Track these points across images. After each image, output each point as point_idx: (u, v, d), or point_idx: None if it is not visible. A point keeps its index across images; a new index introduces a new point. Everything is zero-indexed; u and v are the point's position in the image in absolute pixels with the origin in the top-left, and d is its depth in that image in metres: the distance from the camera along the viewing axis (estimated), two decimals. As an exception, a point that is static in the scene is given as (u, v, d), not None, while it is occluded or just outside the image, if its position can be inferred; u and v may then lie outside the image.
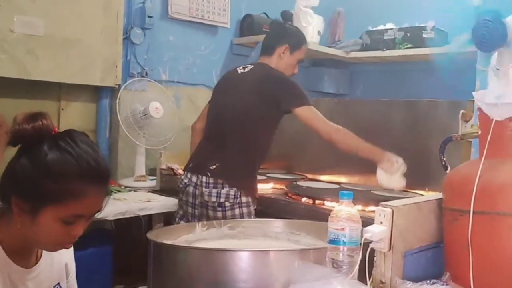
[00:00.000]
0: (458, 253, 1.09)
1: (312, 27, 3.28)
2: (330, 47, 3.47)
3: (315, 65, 3.74)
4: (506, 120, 1.06)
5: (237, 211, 2.05)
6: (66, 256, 1.24)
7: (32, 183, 1.00)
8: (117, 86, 2.61)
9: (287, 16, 3.20)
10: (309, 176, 2.84)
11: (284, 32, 2.31)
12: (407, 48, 3.14)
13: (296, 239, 1.51)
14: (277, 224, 1.60)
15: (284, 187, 2.46)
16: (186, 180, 2.14)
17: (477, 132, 1.14)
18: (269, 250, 1.20)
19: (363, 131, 2.71)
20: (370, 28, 3.39)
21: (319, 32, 3.36)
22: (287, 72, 2.23)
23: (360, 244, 1.04)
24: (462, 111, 1.84)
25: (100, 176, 1.06)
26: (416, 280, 1.10)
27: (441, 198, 1.19)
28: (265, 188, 2.51)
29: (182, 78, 3.03)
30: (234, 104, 2.14)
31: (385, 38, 3.26)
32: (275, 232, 1.57)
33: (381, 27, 3.35)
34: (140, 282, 2.10)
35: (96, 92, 2.69)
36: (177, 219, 2.21)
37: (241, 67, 2.25)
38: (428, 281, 1.06)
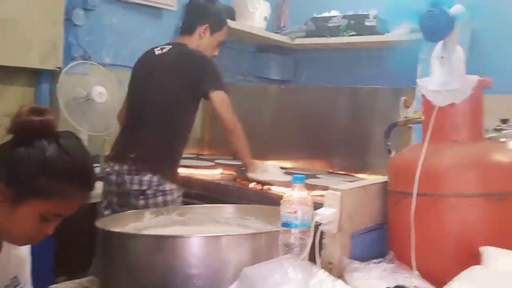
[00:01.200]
0: (401, 233, 1.15)
1: (258, 12, 3.29)
2: (276, 33, 3.49)
3: (261, 51, 3.75)
4: (448, 106, 1.12)
5: (160, 199, 2.01)
6: (25, 250, 1.24)
7: (26, 175, 1.01)
8: (58, 70, 2.50)
9: None
10: (256, 161, 2.87)
11: (204, 12, 2.24)
12: (350, 35, 3.21)
13: (246, 224, 1.52)
14: (227, 210, 1.60)
15: (233, 173, 2.47)
16: (108, 169, 2.09)
17: (421, 118, 1.20)
18: (221, 235, 1.20)
19: (309, 117, 2.78)
20: (315, 15, 3.44)
21: (265, 18, 3.37)
22: (207, 53, 2.19)
23: (311, 226, 1.07)
24: (403, 97, 1.92)
25: (90, 182, 1.11)
26: (362, 259, 1.14)
27: (386, 181, 1.24)
28: (213, 174, 2.51)
29: (126, 62, 2.92)
30: (152, 87, 2.10)
31: (329, 25, 3.32)
32: (225, 218, 1.57)
33: (325, 14, 3.40)
34: (82, 273, 2.05)
35: (35, 76, 2.56)
36: (102, 209, 2.14)
37: (158, 48, 2.18)
38: (375, 261, 1.11)
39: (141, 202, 2.00)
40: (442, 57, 1.05)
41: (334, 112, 2.69)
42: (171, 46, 2.16)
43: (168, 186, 2.02)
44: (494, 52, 2.98)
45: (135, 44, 2.98)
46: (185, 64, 2.08)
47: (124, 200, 2.04)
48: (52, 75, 2.56)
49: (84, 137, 2.55)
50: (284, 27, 3.59)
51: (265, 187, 2.20)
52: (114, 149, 2.16)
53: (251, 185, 2.24)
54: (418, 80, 1.16)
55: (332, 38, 3.27)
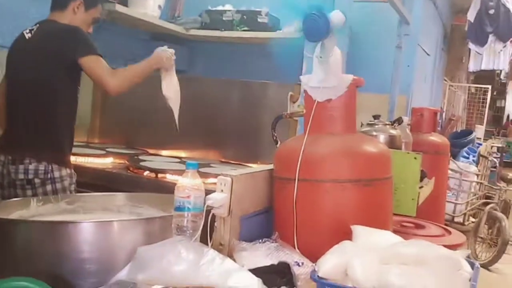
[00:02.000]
0: (285, 215, 1.27)
1: (153, 0, 3.26)
2: (170, 22, 3.48)
3: (155, 39, 3.72)
4: (326, 102, 1.25)
5: (49, 187, 1.92)
6: None
7: None
8: None
9: None
10: (150, 151, 2.87)
11: None
12: (243, 30, 3.33)
13: (139, 212, 1.53)
14: (119, 198, 1.58)
15: (125, 162, 2.45)
16: None
17: (303, 111, 1.32)
18: (113, 221, 1.22)
19: (202, 108, 2.84)
20: (209, 8, 3.50)
21: (159, 6, 3.34)
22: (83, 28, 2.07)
23: (203, 210, 1.14)
24: (290, 92, 2.06)
25: None
26: (250, 240, 1.25)
27: (273, 169, 1.36)
28: (104, 162, 2.47)
29: (10, 43, 2.76)
30: (25, 73, 1.99)
31: (223, 18, 3.40)
32: (117, 206, 1.56)
33: (220, 7, 3.48)
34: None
35: None
36: None
37: (27, 30, 2.05)
38: (260, 240, 1.21)
39: (29, 192, 1.90)
40: (321, 57, 1.17)
41: (227, 104, 2.79)
42: (39, 26, 2.04)
43: (57, 173, 1.94)
44: (370, 55, 3.29)
45: (21, 24, 2.76)
46: (51, 40, 1.96)
47: (9, 191, 1.93)
48: None
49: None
50: (179, 17, 3.60)
51: (160, 175, 2.22)
52: (0, 139, 2.04)
53: (145, 173, 2.25)
54: (301, 77, 1.28)
55: (226, 31, 3.36)
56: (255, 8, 3.32)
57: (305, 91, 1.28)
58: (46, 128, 1.96)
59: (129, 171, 2.30)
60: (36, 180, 1.91)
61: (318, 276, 0.91)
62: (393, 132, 1.98)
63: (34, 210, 1.45)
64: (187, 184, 1.08)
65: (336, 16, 1.10)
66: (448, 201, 3.70)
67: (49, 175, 1.92)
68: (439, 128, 4.60)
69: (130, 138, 2.97)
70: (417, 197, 1.85)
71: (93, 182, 2.20)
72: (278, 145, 1.61)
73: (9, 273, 1.10)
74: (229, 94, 2.81)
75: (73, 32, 1.97)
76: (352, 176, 1.22)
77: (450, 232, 2.05)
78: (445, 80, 7.26)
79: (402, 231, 1.92)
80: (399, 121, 2.04)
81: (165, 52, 2.10)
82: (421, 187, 1.95)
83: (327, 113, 1.26)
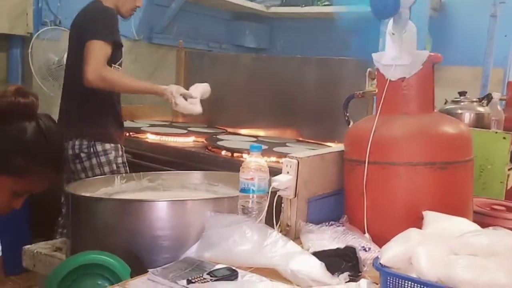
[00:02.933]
0: (355, 198, 1.23)
1: (233, -20, 3.28)
2: (251, 1, 3.49)
3: (237, 18, 3.76)
4: (399, 81, 1.18)
5: (94, 160, 2.03)
6: None
7: (2, 153, 1.03)
8: (29, 35, 2.49)
9: None
10: (229, 130, 2.92)
11: None
12: (324, 5, 3.24)
13: (214, 190, 1.58)
14: (196, 176, 1.65)
15: (204, 141, 2.53)
16: None
17: (375, 91, 1.26)
18: (185, 200, 1.27)
19: (280, 86, 2.83)
20: (290, -16, 3.45)
21: (240, -15, 3.37)
22: (128, 4, 2.09)
23: (268, 192, 1.14)
24: (369, 69, 1.97)
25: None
26: (318, 222, 1.23)
27: (343, 150, 1.32)
28: (186, 141, 2.56)
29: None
30: (69, 53, 2.10)
31: (304, -6, 3.35)
32: (194, 184, 1.63)
33: (300, -17, 3.42)
34: (59, 235, 2.10)
35: (6, 41, 2.54)
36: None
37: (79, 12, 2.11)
38: (327, 223, 1.19)
39: (78, 166, 2.04)
40: (393, 34, 1.10)
41: (304, 82, 2.75)
42: (84, 7, 2.09)
43: (100, 147, 2.04)
44: (461, 25, 3.05)
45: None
46: (82, 22, 2.02)
47: (67, 165, 2.07)
48: (23, 40, 2.55)
49: (57, 103, 2.55)
50: (260, -5, 3.59)
51: (236, 154, 2.26)
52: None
53: (223, 152, 2.30)
54: (373, 54, 1.22)
55: (307, 7, 3.30)
56: (337, -18, 3.22)
57: (377, 69, 1.22)
58: (82, 107, 2.04)
59: (207, 150, 2.36)
60: (83, 154, 2.04)
61: (380, 263, 0.87)
62: (481, 109, 1.84)
63: (118, 187, 1.55)
64: (251, 167, 1.09)
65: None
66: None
67: (91, 149, 2.03)
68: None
69: (211, 118, 3.04)
70: (505, 179, 1.71)
71: (174, 159, 2.29)
72: (350, 126, 1.56)
73: (90, 247, 1.19)
74: (306, 71, 2.76)
75: (94, 15, 1.99)
76: (427, 159, 1.15)
77: (547, 218, 1.87)
78: (553, 50, 6.56)
79: (491, 215, 1.78)
80: (488, 97, 1.88)
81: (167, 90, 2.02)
82: (511, 168, 1.80)
83: (401, 92, 1.19)
